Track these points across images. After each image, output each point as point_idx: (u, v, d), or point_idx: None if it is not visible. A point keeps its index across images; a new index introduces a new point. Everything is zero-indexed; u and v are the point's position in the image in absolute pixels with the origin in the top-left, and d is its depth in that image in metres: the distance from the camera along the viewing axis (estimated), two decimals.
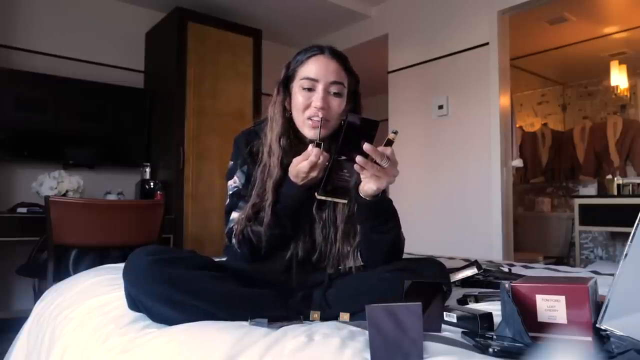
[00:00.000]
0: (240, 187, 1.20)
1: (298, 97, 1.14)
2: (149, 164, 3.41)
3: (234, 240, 1.15)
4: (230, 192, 1.22)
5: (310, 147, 1.04)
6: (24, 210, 2.74)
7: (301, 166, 1.05)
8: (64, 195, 2.81)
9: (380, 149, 0.98)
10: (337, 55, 1.17)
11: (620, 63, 4.56)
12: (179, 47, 3.31)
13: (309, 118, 1.13)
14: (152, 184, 3.32)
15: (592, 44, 4.33)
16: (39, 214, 2.64)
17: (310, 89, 1.13)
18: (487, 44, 3.15)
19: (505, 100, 3.13)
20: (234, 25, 3.61)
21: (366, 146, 0.95)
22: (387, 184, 1.02)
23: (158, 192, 3.24)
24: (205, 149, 3.36)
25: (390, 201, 1.12)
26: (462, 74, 3.31)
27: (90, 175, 3.28)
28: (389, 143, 0.99)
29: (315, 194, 1.03)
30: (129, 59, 3.65)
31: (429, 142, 3.48)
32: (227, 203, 1.23)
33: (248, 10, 3.75)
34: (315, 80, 1.13)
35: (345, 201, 1.06)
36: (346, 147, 0.98)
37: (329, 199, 1.03)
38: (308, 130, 1.14)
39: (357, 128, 0.98)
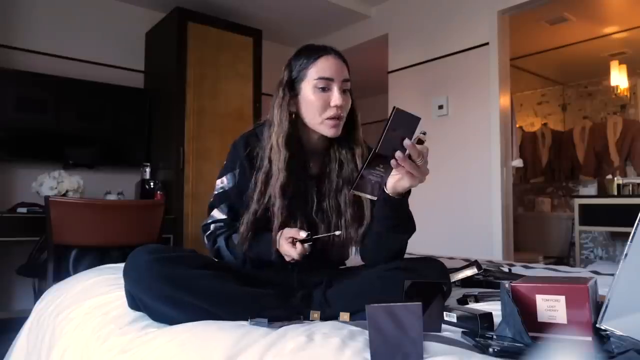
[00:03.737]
0: (227, 189, 1.23)
1: (312, 98, 1.14)
2: (149, 164, 3.40)
3: (205, 239, 1.22)
4: (216, 192, 1.25)
5: (298, 245, 1.05)
6: (24, 210, 2.74)
7: (285, 251, 1.07)
8: (64, 195, 2.81)
9: (419, 147, 0.97)
10: (341, 55, 1.20)
11: (620, 63, 4.56)
12: (179, 47, 3.30)
13: (329, 118, 1.14)
14: (152, 184, 3.32)
15: (592, 44, 4.33)
16: (39, 214, 2.64)
17: (324, 89, 1.14)
18: (487, 44, 3.15)
19: (505, 100, 3.13)
20: (234, 25, 3.61)
21: (407, 142, 0.94)
22: (419, 183, 1.01)
23: (158, 192, 3.24)
24: (205, 149, 3.36)
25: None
26: (462, 74, 3.31)
27: (90, 175, 3.28)
28: (420, 143, 0.98)
29: (350, 190, 1.04)
30: (129, 59, 3.65)
31: (429, 142, 3.46)
32: (211, 200, 1.26)
33: (248, 10, 3.75)
34: (330, 80, 1.14)
35: (375, 198, 1.04)
36: (387, 142, 0.95)
37: (362, 194, 1.02)
38: (327, 130, 1.15)
39: (400, 123, 0.95)
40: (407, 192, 1.07)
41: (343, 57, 1.20)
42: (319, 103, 1.14)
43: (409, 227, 1.12)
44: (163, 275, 0.95)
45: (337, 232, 1.10)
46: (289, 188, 1.13)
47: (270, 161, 1.15)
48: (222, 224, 1.24)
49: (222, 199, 1.23)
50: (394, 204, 1.05)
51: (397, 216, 1.08)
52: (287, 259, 1.08)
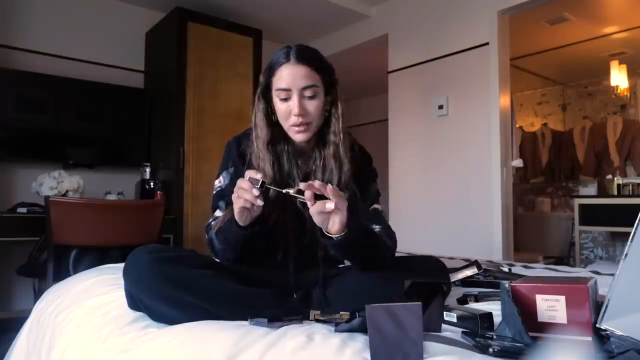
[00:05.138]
0: (224, 187, 1.25)
1: (279, 106, 1.16)
2: (149, 164, 3.40)
3: (212, 235, 1.19)
4: (214, 192, 1.28)
5: (249, 184, 1.00)
6: (24, 210, 2.74)
7: (240, 194, 1.02)
8: (64, 195, 2.81)
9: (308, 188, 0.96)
10: (304, 58, 1.14)
11: (620, 63, 4.56)
12: (179, 47, 3.30)
13: (293, 125, 1.15)
14: (152, 184, 3.32)
15: (592, 44, 4.33)
16: (39, 214, 2.64)
17: (286, 99, 1.14)
18: (487, 44, 3.15)
19: (505, 100, 3.13)
20: (234, 25, 3.61)
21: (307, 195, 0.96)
22: (344, 212, 0.98)
23: (158, 192, 3.24)
24: (205, 149, 3.36)
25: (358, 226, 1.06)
26: (462, 74, 3.31)
27: (90, 175, 3.28)
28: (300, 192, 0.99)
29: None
30: (129, 59, 3.65)
31: (429, 142, 3.48)
32: (211, 201, 1.29)
33: (248, 10, 3.75)
34: (288, 90, 1.14)
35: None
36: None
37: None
38: (294, 135, 1.17)
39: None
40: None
41: (308, 61, 1.14)
42: (282, 112, 1.16)
43: (377, 251, 1.09)
44: (163, 275, 0.95)
45: (285, 190, 1.04)
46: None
47: (259, 164, 1.18)
48: None
49: (220, 197, 1.26)
50: (348, 239, 0.99)
51: (359, 247, 1.04)
52: (239, 205, 1.02)
